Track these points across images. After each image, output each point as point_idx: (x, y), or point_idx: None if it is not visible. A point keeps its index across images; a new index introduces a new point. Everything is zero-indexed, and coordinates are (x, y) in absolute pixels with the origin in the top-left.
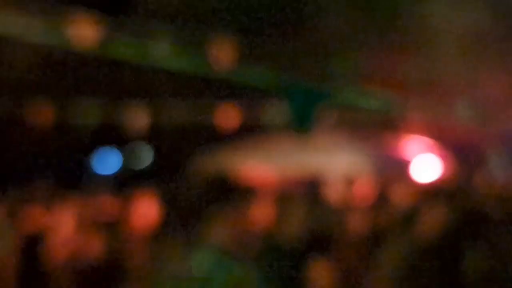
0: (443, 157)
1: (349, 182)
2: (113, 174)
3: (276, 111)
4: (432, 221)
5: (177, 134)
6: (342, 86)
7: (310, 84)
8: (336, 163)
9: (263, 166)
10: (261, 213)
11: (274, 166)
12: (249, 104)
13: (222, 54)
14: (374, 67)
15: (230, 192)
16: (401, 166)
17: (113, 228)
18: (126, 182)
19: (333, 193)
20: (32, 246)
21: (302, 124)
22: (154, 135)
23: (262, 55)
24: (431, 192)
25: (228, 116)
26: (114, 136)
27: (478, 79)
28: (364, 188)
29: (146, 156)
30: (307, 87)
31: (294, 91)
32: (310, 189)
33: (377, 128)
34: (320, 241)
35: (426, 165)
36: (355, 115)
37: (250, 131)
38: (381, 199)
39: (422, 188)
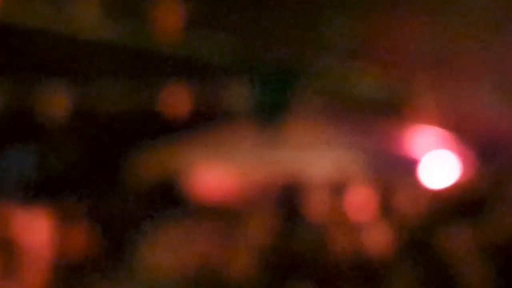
0: (463, 155)
1: (337, 188)
2: (22, 178)
3: (238, 95)
4: (450, 242)
5: (109, 125)
6: (326, 62)
7: (284, 59)
8: (320, 164)
9: (221, 167)
10: (218, 233)
11: (236, 168)
12: (203, 86)
13: (167, 21)
14: (369, 37)
15: (176, 203)
16: (407, 167)
17: (20, 253)
18: (40, 189)
19: (316, 203)
20: None
21: (273, 111)
22: (78, 126)
23: (220, 22)
24: (447, 201)
25: (175, 101)
26: (25, 127)
27: (510, 53)
28: (358, 197)
29: (67, 154)
30: (280, 63)
31: (262, 68)
32: (285, 198)
33: (374, 117)
34: (297, 272)
35: (439, 166)
36: (344, 100)
37: (205, 121)
38: (381, 212)
39: (434, 196)
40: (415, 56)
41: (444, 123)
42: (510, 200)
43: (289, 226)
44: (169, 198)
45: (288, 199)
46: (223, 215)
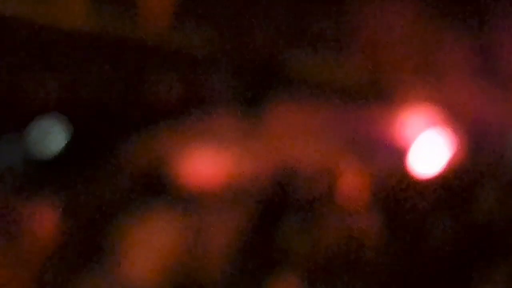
0: (453, 140)
1: (327, 176)
2: (11, 167)
3: (223, 84)
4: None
5: (95, 114)
6: (310, 52)
7: (267, 50)
8: (308, 151)
9: (209, 156)
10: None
11: (224, 156)
12: (188, 75)
13: (155, 11)
14: (353, 24)
15: (162, 192)
16: (397, 152)
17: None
18: (29, 178)
19: (305, 191)
20: None
21: (258, 100)
22: (65, 115)
23: (205, 12)
24: (438, 186)
25: (161, 90)
26: (13, 115)
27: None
28: (347, 184)
29: (56, 142)
30: (263, 53)
31: (246, 58)
32: (273, 187)
33: (362, 103)
34: (283, 262)
35: (430, 151)
36: (329, 88)
37: (190, 110)
38: (372, 198)
39: (425, 181)
40: (401, 43)
41: (434, 109)
42: (500, 184)
43: (277, 215)
44: (155, 187)
45: (276, 187)
46: (209, 204)
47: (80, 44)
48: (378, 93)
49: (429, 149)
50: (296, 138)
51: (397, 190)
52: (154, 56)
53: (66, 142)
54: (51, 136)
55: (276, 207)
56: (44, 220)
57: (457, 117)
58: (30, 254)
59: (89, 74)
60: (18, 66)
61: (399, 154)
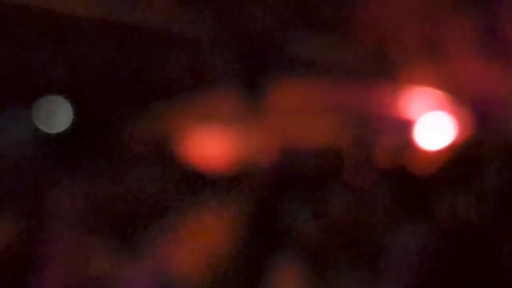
0: (459, 116)
1: (332, 154)
2: (18, 141)
3: (227, 66)
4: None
5: (102, 95)
6: (311, 31)
7: (267, 31)
8: (313, 129)
9: (214, 136)
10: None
11: (228, 137)
12: (192, 58)
13: None
14: (359, 3)
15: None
16: (403, 129)
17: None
18: (37, 152)
19: (313, 168)
20: None
21: (260, 80)
22: (74, 89)
23: None
24: (444, 163)
25: (166, 73)
26: (21, 89)
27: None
28: (353, 161)
29: (64, 116)
30: (264, 35)
31: (246, 39)
32: (280, 164)
33: (367, 81)
34: (286, 245)
35: (435, 127)
36: (332, 67)
37: (195, 91)
38: (378, 175)
39: (431, 157)
40: (406, 21)
41: (439, 85)
42: (506, 161)
43: (282, 194)
44: (164, 165)
45: (281, 166)
46: (213, 183)
47: (85, 28)
48: (382, 71)
49: (434, 125)
50: (300, 117)
51: (404, 166)
52: (157, 40)
53: (72, 120)
54: (58, 113)
55: (281, 186)
56: (61, 198)
57: (461, 94)
58: (50, 234)
59: (94, 57)
60: (27, 48)
61: (405, 131)
